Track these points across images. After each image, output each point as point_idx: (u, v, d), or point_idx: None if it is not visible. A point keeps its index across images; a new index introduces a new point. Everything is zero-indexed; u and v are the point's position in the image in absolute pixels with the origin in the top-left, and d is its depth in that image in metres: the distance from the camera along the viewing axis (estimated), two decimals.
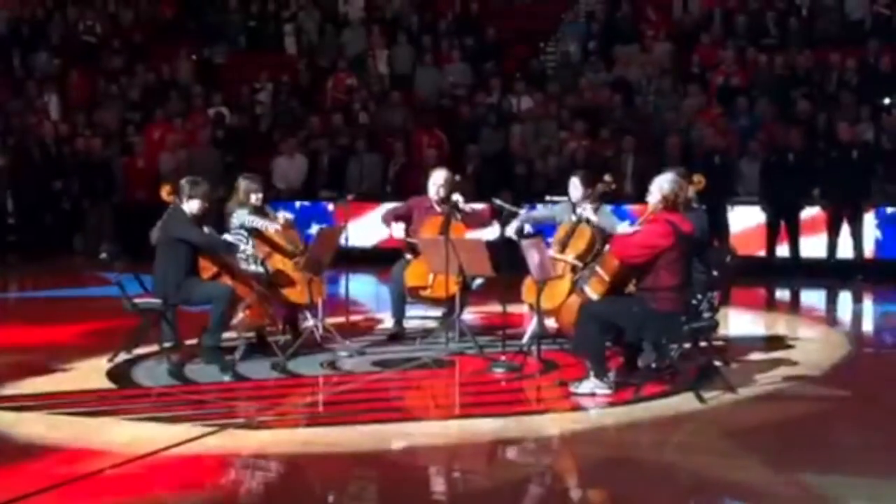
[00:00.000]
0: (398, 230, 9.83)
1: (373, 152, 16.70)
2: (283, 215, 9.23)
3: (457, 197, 9.64)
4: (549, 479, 6.26)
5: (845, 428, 7.01)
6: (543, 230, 9.63)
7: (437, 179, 9.81)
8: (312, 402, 7.87)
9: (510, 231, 9.31)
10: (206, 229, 8.57)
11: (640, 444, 6.80)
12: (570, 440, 6.92)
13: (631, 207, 12.41)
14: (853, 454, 6.45)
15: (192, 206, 8.50)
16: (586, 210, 8.77)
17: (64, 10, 22.22)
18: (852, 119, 14.78)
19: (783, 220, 14.14)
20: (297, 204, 15.83)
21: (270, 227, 9.03)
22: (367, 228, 14.34)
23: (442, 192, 9.68)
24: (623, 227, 7.56)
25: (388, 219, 10.05)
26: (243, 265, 8.88)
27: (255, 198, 9.07)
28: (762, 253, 14.18)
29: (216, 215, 9.22)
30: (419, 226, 9.67)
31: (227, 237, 8.74)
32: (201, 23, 21.81)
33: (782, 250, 14.20)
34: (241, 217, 8.98)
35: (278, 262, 9.07)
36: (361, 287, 12.91)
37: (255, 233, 9.00)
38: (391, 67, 19.55)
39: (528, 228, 9.48)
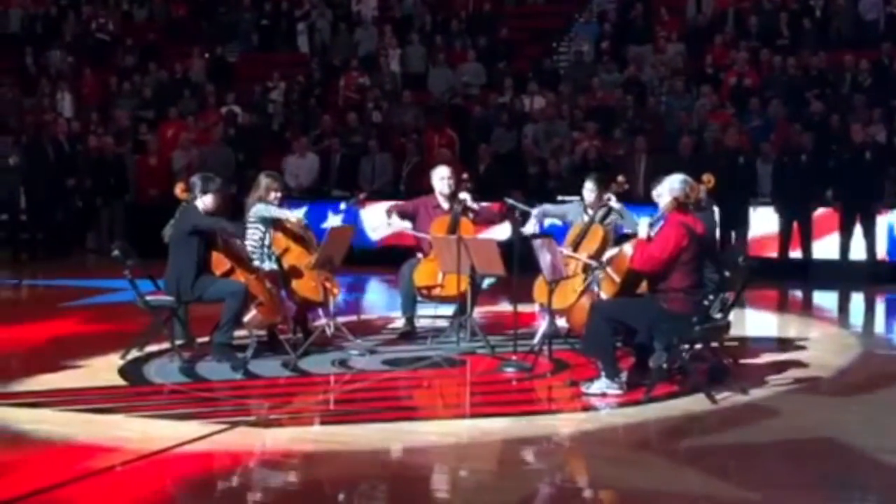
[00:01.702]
0: (398, 222, 9.78)
1: (385, 151, 16.70)
2: (297, 216, 9.25)
3: (464, 195, 9.64)
4: (560, 480, 6.25)
5: (857, 431, 6.98)
6: (554, 232, 9.63)
7: (444, 173, 9.85)
8: (323, 401, 7.88)
9: (529, 229, 9.33)
10: None
11: (651, 445, 6.79)
12: (580, 440, 6.91)
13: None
14: (864, 457, 6.43)
15: (205, 201, 8.53)
16: (610, 200, 8.86)
17: (77, 8, 22.34)
18: (865, 120, 14.74)
19: (796, 222, 14.11)
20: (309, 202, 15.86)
21: (292, 217, 9.05)
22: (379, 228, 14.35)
23: (452, 185, 9.70)
24: (643, 228, 7.52)
25: (391, 210, 10.05)
26: (257, 262, 8.90)
27: (274, 196, 9.09)
28: (775, 254, 14.16)
29: (230, 212, 9.23)
30: (426, 226, 9.68)
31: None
32: (214, 21, 21.88)
33: (795, 252, 14.17)
34: (259, 210, 8.98)
35: (293, 259, 9.08)
36: (372, 285, 12.93)
37: (275, 223, 9.01)
38: (403, 66, 19.57)
39: (537, 224, 9.52)
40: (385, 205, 10.65)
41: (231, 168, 16.07)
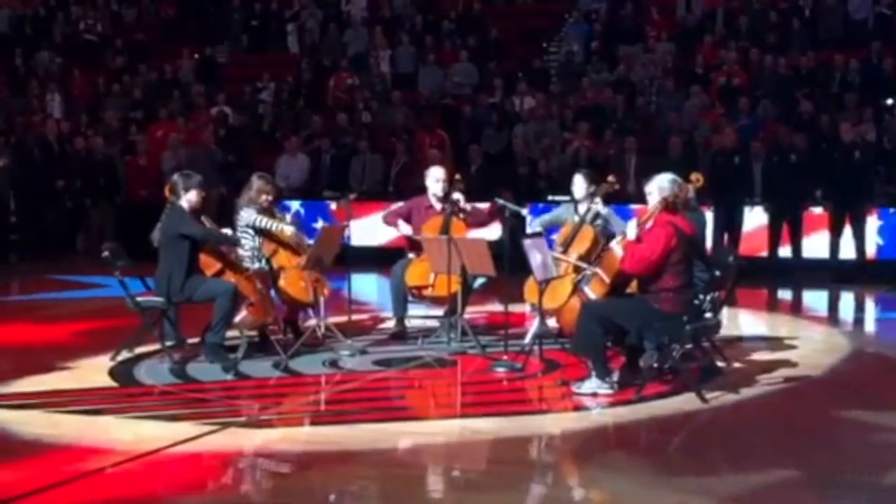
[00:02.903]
0: (406, 228, 9.76)
1: (375, 152, 16.69)
2: (292, 229, 9.23)
3: (457, 196, 9.64)
4: (550, 479, 6.25)
5: (846, 429, 7.01)
6: (549, 233, 9.63)
7: (438, 174, 9.84)
8: (314, 401, 7.87)
9: (536, 226, 9.33)
10: (206, 222, 8.59)
11: (642, 445, 6.80)
12: (571, 440, 6.91)
13: (634, 207, 12.42)
14: (854, 455, 6.45)
15: (189, 198, 8.53)
16: (597, 204, 8.84)
17: (66, 8, 22.30)
18: (855, 120, 14.77)
19: (785, 221, 14.14)
20: (299, 203, 15.87)
21: (287, 230, 9.03)
22: (370, 228, 14.36)
23: (446, 187, 9.69)
24: (631, 229, 7.51)
25: (393, 219, 10.00)
26: (247, 263, 8.90)
27: (265, 198, 9.08)
28: (764, 253, 14.18)
29: (218, 211, 9.22)
30: (419, 226, 9.66)
31: (229, 231, 8.75)
32: (204, 22, 21.86)
33: (784, 251, 14.20)
34: (249, 217, 8.98)
35: (283, 260, 9.07)
36: (363, 286, 12.91)
37: (264, 232, 9.01)
38: (393, 67, 19.58)
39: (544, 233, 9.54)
40: (381, 207, 10.60)
41: (221, 169, 16.05)
